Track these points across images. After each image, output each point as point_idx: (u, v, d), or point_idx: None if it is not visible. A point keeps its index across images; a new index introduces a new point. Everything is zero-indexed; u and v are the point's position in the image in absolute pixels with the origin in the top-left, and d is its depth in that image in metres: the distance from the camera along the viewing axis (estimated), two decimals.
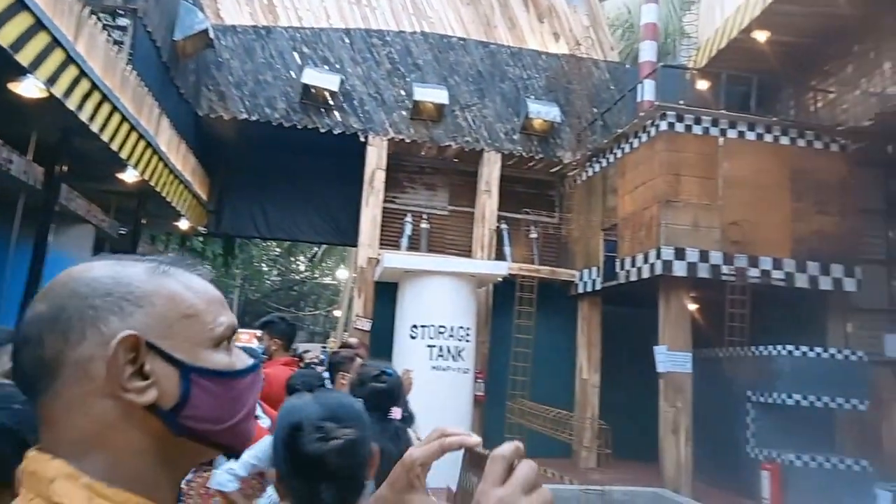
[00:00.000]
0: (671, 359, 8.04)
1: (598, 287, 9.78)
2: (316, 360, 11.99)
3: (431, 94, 10.50)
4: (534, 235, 11.06)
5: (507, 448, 0.65)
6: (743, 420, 8.32)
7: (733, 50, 9.63)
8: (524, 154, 10.93)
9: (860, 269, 8.49)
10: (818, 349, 7.85)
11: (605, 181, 9.95)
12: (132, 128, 6.67)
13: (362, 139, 10.42)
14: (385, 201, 10.45)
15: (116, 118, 6.27)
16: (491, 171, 10.73)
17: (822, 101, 9.24)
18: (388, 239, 10.51)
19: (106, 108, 6.04)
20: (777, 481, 7.37)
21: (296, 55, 10.63)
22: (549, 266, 10.75)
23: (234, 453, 0.70)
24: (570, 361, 10.61)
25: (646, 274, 8.38)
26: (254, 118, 10.25)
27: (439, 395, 8.13)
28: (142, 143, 7.06)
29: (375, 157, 10.33)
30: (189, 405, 0.61)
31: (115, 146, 6.33)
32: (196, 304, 0.64)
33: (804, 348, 7.80)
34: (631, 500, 5.83)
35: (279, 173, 11.11)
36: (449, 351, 8.54)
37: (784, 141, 8.64)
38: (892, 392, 8.66)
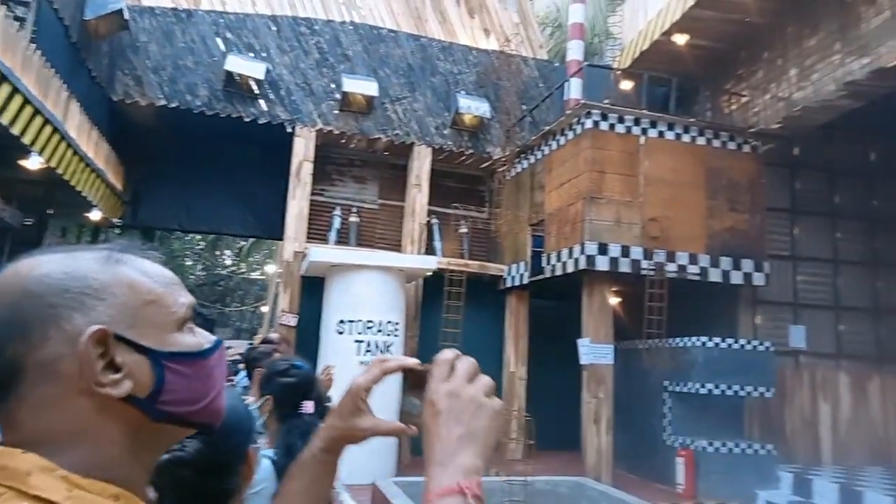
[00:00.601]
0: (594, 351, 8.27)
1: (525, 281, 9.94)
2: (236, 357, 11.63)
3: (361, 86, 10.36)
4: (464, 230, 11.12)
5: (448, 352, 0.73)
6: (660, 409, 8.67)
7: (655, 52, 9.97)
8: (454, 149, 10.97)
9: (768, 265, 8.99)
10: (729, 340, 8.27)
11: (534, 177, 10.11)
12: (36, 111, 6.25)
13: (289, 130, 10.17)
14: (313, 194, 10.25)
15: (18, 100, 5.86)
16: (421, 165, 10.70)
17: (735, 104, 9.71)
18: (316, 232, 10.31)
19: (5, 89, 5.63)
20: (691, 467, 7.72)
21: (219, 41, 10.24)
22: (478, 260, 10.84)
23: (209, 431, 0.70)
24: (498, 355, 10.75)
25: (571, 268, 8.58)
26: (173, 105, 9.81)
27: None
28: (48, 128, 6.63)
29: (303, 149, 10.10)
30: (165, 391, 0.61)
31: (16, 130, 5.92)
32: (155, 289, 0.64)
33: (717, 339, 8.19)
34: (553, 489, 5.97)
35: (202, 163, 10.70)
36: (377, 346, 8.47)
37: (700, 141, 9.03)
38: (794, 380, 9.25)
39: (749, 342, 8.37)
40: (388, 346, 8.59)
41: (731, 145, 9.14)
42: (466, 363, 0.73)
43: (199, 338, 0.66)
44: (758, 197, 9.13)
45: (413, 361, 0.81)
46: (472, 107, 10.85)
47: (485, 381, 0.73)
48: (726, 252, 8.74)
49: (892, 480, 7.99)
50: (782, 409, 9.08)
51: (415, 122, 10.86)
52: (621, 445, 8.73)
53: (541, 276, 9.41)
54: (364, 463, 6.87)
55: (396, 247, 10.56)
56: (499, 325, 10.81)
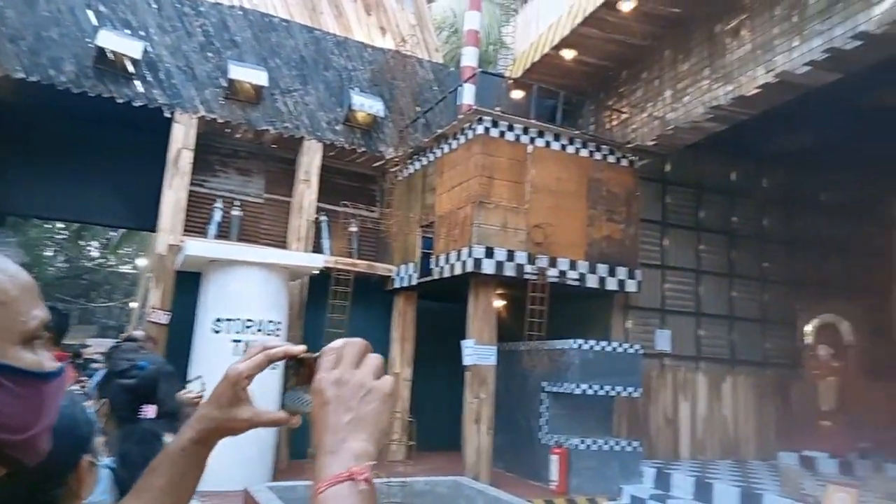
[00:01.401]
0: (477, 352, 8.42)
1: (414, 282, 9.94)
2: (96, 356, 10.75)
3: (249, 75, 9.92)
4: (353, 229, 10.95)
5: (337, 341, 0.72)
6: (538, 408, 8.98)
7: (545, 64, 10.34)
8: (346, 146, 10.77)
9: (640, 272, 9.58)
10: (603, 343, 8.72)
11: (425, 179, 10.15)
12: None
13: (168, 115, 9.52)
14: (192, 184, 9.66)
15: None
16: (311, 161, 10.41)
17: (616, 120, 10.27)
18: (194, 225, 9.74)
19: None
20: (564, 464, 8.05)
21: (90, 13, 9.40)
22: (367, 260, 10.71)
23: (20, 471, 0.60)
24: (384, 356, 10.64)
25: (458, 270, 8.68)
26: (33, 79, 8.88)
27: None
28: None
29: (182, 136, 9.50)
30: None
31: None
32: (9, 290, 0.57)
33: (592, 342, 8.61)
34: (432, 490, 5.99)
35: (67, 145, 9.76)
36: None
37: (584, 153, 9.46)
38: (659, 381, 9.92)
39: (620, 345, 8.86)
40: None
41: (611, 159, 9.66)
42: (354, 347, 0.71)
43: (42, 359, 0.60)
44: (633, 209, 9.71)
45: (299, 348, 0.76)
46: (366, 104, 10.71)
47: (372, 362, 0.71)
48: (603, 259, 9.22)
49: (740, 472, 8.77)
50: (647, 408, 9.70)
51: (306, 116, 10.55)
52: (501, 444, 8.95)
53: (429, 278, 9.45)
54: (236, 467, 6.55)
55: (282, 243, 10.19)
56: (385, 326, 10.74)
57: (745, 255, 11.16)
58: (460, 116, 9.35)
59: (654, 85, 9.57)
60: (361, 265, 10.46)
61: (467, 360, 8.49)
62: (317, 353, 0.73)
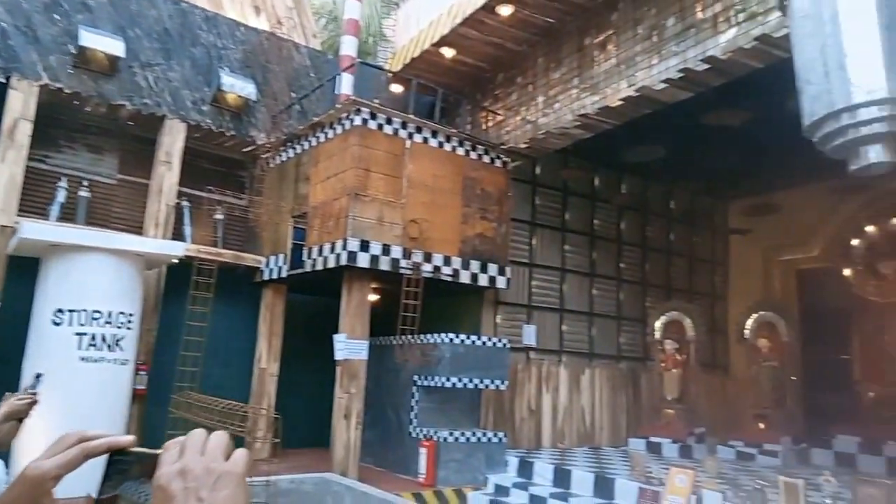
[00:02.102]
0: (349, 347, 8.27)
1: (284, 274, 9.58)
2: None
3: (103, 43, 9.02)
4: (219, 216, 10.33)
5: (177, 439, 0.67)
6: (409, 403, 9.00)
7: (424, 61, 10.38)
8: (213, 128, 10.14)
9: (510, 269, 9.91)
10: (473, 337, 8.92)
11: (299, 168, 9.81)
12: None
13: (2, 80, 8.43)
14: (32, 160, 8.63)
15: None
16: (173, 142, 9.69)
17: (492, 121, 10.55)
18: (33, 205, 8.71)
19: None
20: (432, 456, 8.14)
21: None
22: (233, 250, 10.16)
23: None
24: (250, 350, 10.21)
25: (332, 263, 8.48)
26: None
27: (88, 392, 7.03)
28: None
29: (20, 105, 8.44)
30: None
31: None
32: None
33: (462, 336, 8.78)
34: (297, 488, 5.79)
35: None
36: (104, 339, 7.42)
37: (460, 151, 9.61)
38: (524, 374, 10.33)
39: (490, 339, 9.11)
40: (119, 341, 7.58)
41: (486, 159, 9.90)
42: (196, 436, 0.67)
43: None
44: (505, 208, 10.02)
45: (127, 440, 0.67)
46: (237, 86, 10.15)
47: (217, 442, 0.67)
48: (476, 256, 9.43)
49: (594, 459, 9.36)
50: (513, 400, 10.07)
51: (168, 94, 9.80)
52: (371, 439, 8.88)
53: (301, 270, 9.15)
54: None
55: (137, 229, 9.39)
56: (252, 320, 10.28)
57: (605, 256, 11.93)
58: (338, 105, 9.13)
59: (527, 90, 9.94)
60: (227, 255, 9.91)
61: (339, 355, 8.32)
62: (159, 450, 0.66)
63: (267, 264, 10.04)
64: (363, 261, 8.29)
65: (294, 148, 10.04)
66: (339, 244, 8.38)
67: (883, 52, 4.20)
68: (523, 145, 9.85)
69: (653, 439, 10.23)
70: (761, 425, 10.31)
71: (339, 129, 8.99)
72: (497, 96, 10.56)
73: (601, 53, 8.72)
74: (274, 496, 5.54)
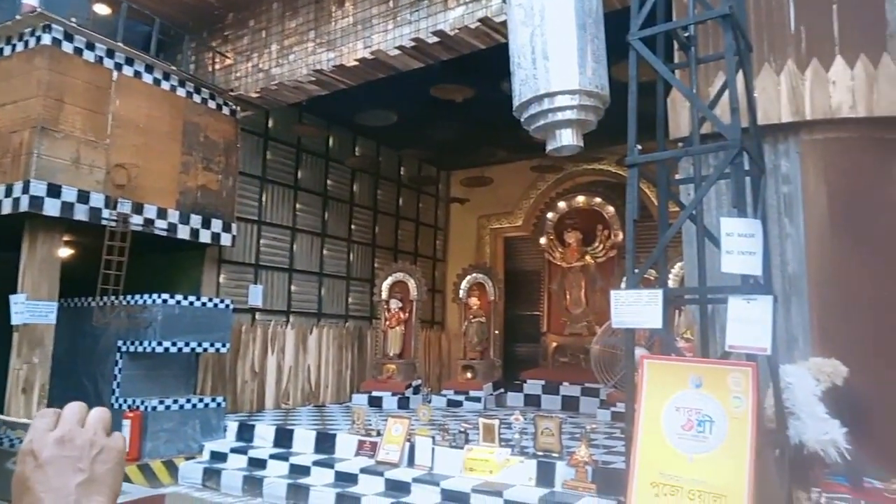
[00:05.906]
0: (31, 309, 6.99)
1: None
2: None
3: None
4: None
5: (56, 408, 0.70)
6: (111, 371, 8.00)
7: None
8: None
9: (236, 226, 9.34)
10: (192, 298, 8.23)
11: None
12: None
13: None
14: None
15: None
16: None
17: (220, 64, 9.68)
18: None
19: None
20: (137, 428, 7.38)
21: None
22: None
23: None
24: None
25: (7, 209, 7.01)
26: None
27: None
28: None
29: None
30: None
31: None
32: None
33: (179, 297, 8.04)
34: None
35: None
36: None
37: (181, 92, 8.65)
38: (248, 335, 9.93)
39: (210, 300, 8.52)
40: None
41: (212, 104, 9.09)
42: (74, 407, 0.70)
43: None
44: (232, 160, 9.36)
45: None
46: None
47: (98, 416, 0.69)
48: (196, 210, 8.66)
49: (318, 416, 9.46)
50: (235, 363, 9.63)
51: None
52: None
53: None
54: None
55: None
56: None
57: (337, 217, 11.99)
58: (18, 17, 7.47)
59: (261, 36, 9.32)
60: None
61: (16, 319, 6.97)
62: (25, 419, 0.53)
63: None
64: (52, 208, 7.01)
65: None
66: (18, 186, 6.95)
67: (577, 49, 4.81)
68: (255, 95, 9.25)
69: (375, 393, 10.71)
70: (468, 374, 11.50)
71: (20, 47, 7.39)
72: (227, 38, 9.72)
73: (339, 9, 8.55)
74: None
